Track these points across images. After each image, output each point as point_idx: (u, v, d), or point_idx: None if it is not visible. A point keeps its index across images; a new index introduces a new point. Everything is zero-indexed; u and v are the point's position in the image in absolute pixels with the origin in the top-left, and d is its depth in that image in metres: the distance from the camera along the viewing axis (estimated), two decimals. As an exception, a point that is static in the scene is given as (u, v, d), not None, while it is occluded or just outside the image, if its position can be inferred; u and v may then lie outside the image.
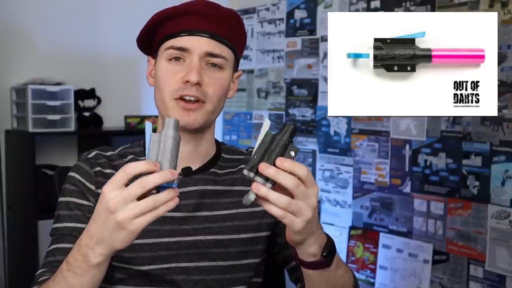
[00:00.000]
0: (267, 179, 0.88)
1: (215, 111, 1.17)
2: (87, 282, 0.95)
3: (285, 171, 0.88)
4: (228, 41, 1.17)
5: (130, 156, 1.22)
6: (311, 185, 0.90)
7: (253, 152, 0.90)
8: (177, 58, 1.15)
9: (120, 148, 1.25)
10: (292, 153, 0.90)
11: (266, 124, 0.91)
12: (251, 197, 0.89)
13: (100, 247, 0.91)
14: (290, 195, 0.89)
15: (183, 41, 1.14)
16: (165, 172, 0.86)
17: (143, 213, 0.86)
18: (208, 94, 1.14)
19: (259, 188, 0.88)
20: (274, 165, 0.88)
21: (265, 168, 0.87)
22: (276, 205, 0.88)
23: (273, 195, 0.88)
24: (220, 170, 1.24)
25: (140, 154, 1.23)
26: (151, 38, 1.20)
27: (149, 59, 1.24)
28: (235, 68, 1.22)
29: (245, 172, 0.89)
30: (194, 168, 1.20)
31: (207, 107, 1.15)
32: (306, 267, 1.02)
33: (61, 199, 1.18)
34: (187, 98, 1.13)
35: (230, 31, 1.17)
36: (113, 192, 0.87)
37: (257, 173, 0.88)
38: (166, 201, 0.87)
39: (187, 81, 1.12)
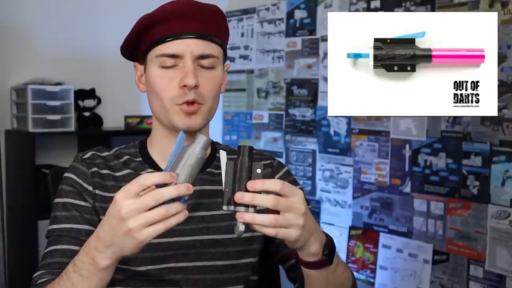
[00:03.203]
0: (247, 205, 0.90)
1: (212, 109, 1.18)
2: (95, 285, 0.96)
3: (259, 191, 0.89)
4: (216, 37, 1.16)
5: (126, 157, 1.22)
6: (292, 193, 0.91)
7: (223, 186, 0.91)
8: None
9: (115, 148, 1.25)
10: (259, 171, 0.91)
11: (223, 155, 0.93)
12: (241, 228, 0.91)
13: (109, 250, 0.92)
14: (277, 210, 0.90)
15: (172, 46, 1.13)
16: (181, 186, 0.88)
17: (155, 222, 0.87)
18: (204, 95, 1.14)
19: (244, 216, 0.89)
20: (247, 190, 0.89)
21: (240, 197, 0.89)
22: (265, 225, 0.90)
23: (259, 218, 0.89)
24: (216, 170, 1.24)
25: (136, 155, 1.23)
26: (137, 45, 1.19)
27: (136, 65, 1.23)
28: (224, 61, 1.22)
29: (224, 208, 0.91)
30: None
31: (205, 107, 1.15)
32: (308, 267, 1.02)
33: (57, 200, 1.17)
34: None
35: (216, 27, 1.17)
36: (126, 200, 0.88)
37: (236, 204, 0.90)
38: (177, 212, 0.88)
39: (184, 86, 1.12)
